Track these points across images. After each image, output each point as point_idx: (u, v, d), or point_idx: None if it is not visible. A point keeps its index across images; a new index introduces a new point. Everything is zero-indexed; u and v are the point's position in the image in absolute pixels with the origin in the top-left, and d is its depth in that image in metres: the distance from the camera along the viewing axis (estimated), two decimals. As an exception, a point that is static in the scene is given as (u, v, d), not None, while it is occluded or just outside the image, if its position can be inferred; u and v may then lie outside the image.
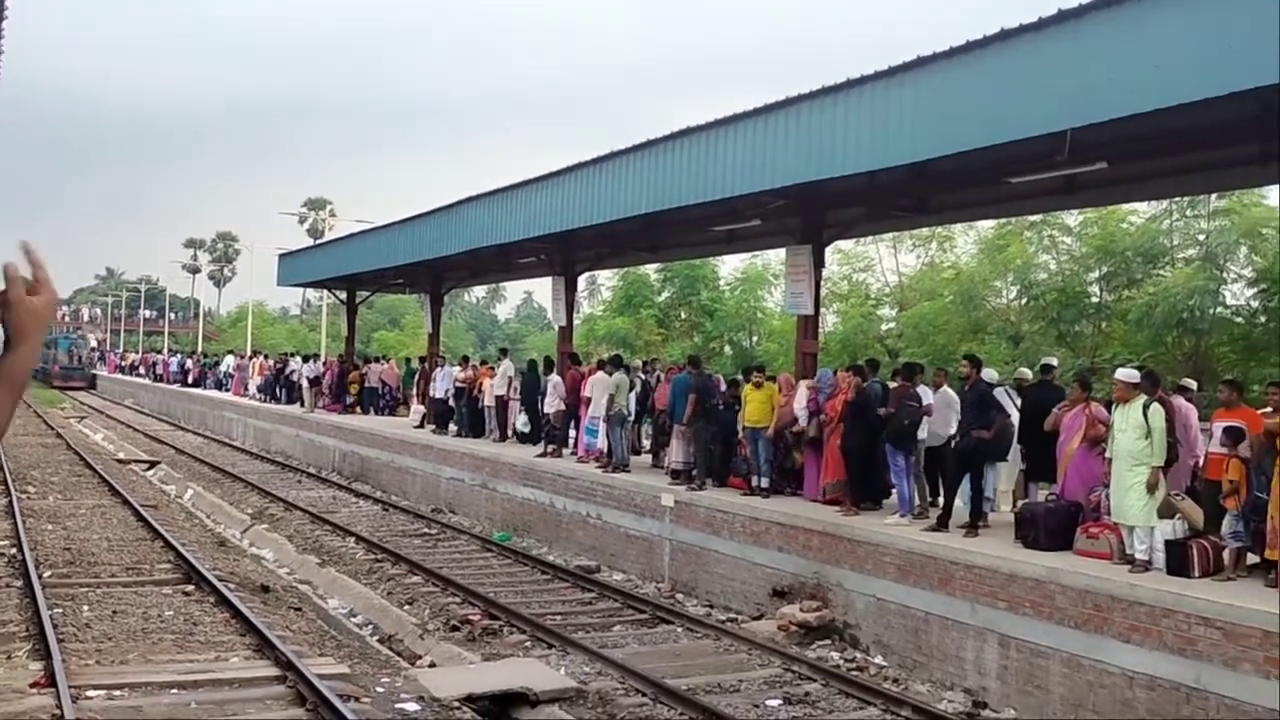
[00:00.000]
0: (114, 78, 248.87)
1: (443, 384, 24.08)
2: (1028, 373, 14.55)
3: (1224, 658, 8.36)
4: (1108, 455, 10.48)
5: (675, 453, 15.89)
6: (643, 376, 18.75)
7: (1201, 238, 25.36)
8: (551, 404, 19.36)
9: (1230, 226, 24.07)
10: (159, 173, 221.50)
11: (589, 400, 17.98)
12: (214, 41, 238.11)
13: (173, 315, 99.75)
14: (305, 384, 32.77)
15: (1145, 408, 10.06)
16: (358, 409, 30.57)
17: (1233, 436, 10.04)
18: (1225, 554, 9.68)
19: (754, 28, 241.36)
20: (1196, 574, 9.47)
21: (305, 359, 36.29)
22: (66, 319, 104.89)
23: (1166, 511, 10.08)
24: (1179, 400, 11.64)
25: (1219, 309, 24.03)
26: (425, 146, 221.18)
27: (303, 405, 32.71)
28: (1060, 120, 9.95)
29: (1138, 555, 9.84)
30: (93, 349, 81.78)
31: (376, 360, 34.43)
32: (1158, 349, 24.30)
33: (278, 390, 35.56)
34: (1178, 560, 9.60)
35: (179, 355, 59.23)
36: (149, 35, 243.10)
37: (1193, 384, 13.18)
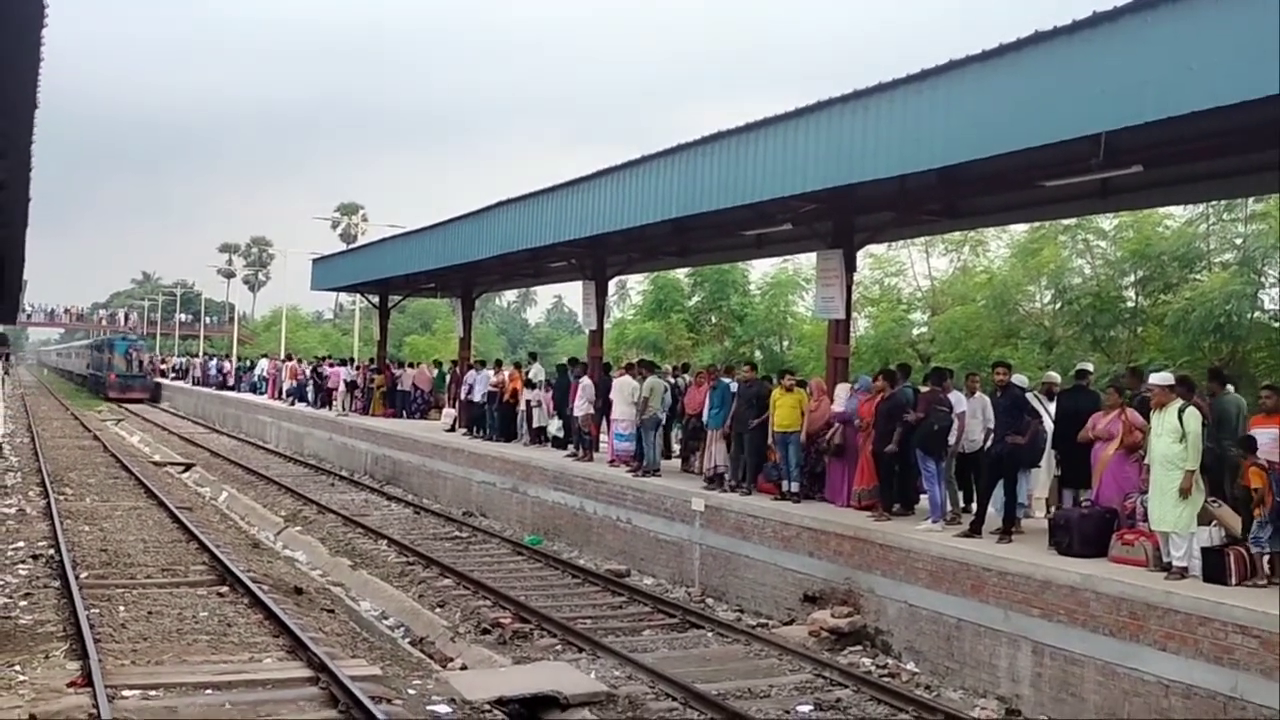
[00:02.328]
0: (149, 83, 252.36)
1: (480, 388, 24.15)
2: (1056, 377, 14.43)
3: (1261, 666, 8.25)
4: (1146, 461, 10.39)
5: (716, 457, 15.86)
6: (671, 380, 18.74)
7: (1239, 241, 25.04)
8: (581, 408, 19.40)
9: (1268, 230, 23.76)
10: (195, 178, 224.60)
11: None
12: (248, 46, 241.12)
13: (208, 319, 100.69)
14: (342, 387, 33.05)
15: (1181, 411, 9.96)
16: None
17: (1245, 446, 10.06)
18: (1265, 561, 9.57)
19: (780, 31, 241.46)
20: (1234, 581, 9.37)
21: (343, 363, 36.59)
22: (105, 323, 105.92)
23: (1203, 518, 9.97)
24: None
25: (1256, 314, 23.73)
26: (458, 149, 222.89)
27: (330, 408, 33.04)
28: (1095, 123, 9.86)
29: (1174, 562, 9.74)
30: (154, 353, 72.49)
31: (410, 365, 34.69)
32: (1194, 354, 23.99)
33: (313, 396, 35.70)
34: (1215, 567, 9.50)
35: (215, 359, 59.65)
36: (184, 40, 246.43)
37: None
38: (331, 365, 36.65)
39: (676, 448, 19.17)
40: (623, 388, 17.91)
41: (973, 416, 12.83)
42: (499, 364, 25.67)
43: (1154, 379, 10.64)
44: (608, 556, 16.75)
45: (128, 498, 21.60)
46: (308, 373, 37.58)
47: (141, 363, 63.22)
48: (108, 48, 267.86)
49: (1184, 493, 9.79)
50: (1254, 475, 9.67)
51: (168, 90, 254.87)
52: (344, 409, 32.47)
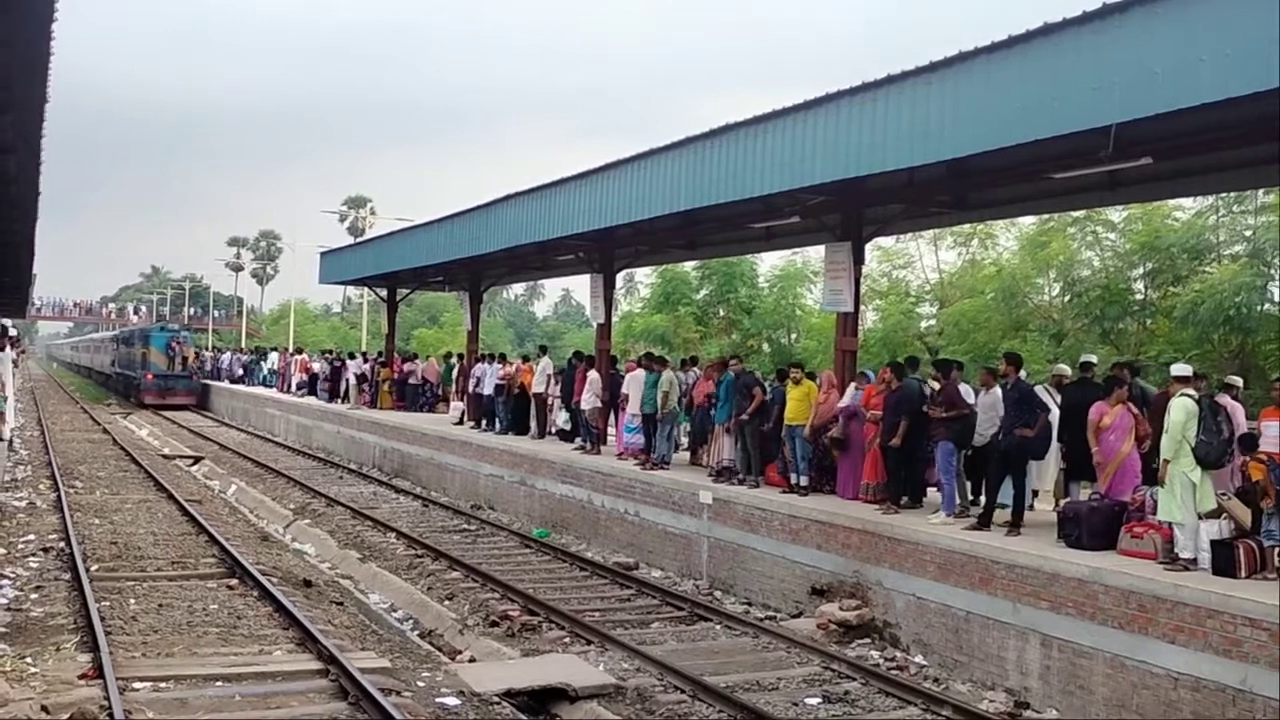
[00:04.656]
0: (157, 78, 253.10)
1: (490, 381, 24.18)
2: (1066, 369, 14.39)
3: (1270, 659, 8.24)
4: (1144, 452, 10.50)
5: (724, 450, 15.87)
6: (680, 374, 18.75)
7: (1248, 234, 24.92)
8: (589, 401, 19.41)
9: (1278, 222, 23.66)
10: (202, 172, 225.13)
11: (628, 398, 18.03)
12: (254, 43, 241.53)
13: (216, 313, 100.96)
14: (352, 380, 33.14)
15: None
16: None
17: (1244, 445, 10.16)
18: (1275, 554, 9.56)
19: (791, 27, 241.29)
20: (1243, 574, 9.36)
21: (352, 356, 36.65)
22: (114, 316, 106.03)
23: (1214, 512, 9.97)
24: (1224, 399, 11.47)
25: (1266, 306, 23.63)
26: (465, 143, 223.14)
27: (342, 401, 33.12)
28: (1103, 116, 9.80)
29: (1180, 554, 9.75)
30: (198, 349, 57.53)
31: (414, 358, 34.74)
32: (1203, 347, 23.92)
33: (329, 390, 35.60)
34: (1224, 560, 9.49)
35: (229, 353, 59.22)
36: (190, 36, 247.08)
37: (1238, 381, 12.97)
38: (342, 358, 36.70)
39: (684, 440, 19.19)
40: (635, 381, 17.92)
41: (984, 411, 12.80)
42: (503, 357, 25.66)
43: (1172, 370, 10.73)
44: (616, 549, 16.77)
45: (137, 491, 21.68)
46: (319, 367, 37.62)
47: (185, 360, 50.49)
48: (115, 44, 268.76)
49: (1160, 481, 9.89)
50: (1254, 469, 9.72)
51: (173, 86, 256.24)
52: (354, 403, 32.54)
